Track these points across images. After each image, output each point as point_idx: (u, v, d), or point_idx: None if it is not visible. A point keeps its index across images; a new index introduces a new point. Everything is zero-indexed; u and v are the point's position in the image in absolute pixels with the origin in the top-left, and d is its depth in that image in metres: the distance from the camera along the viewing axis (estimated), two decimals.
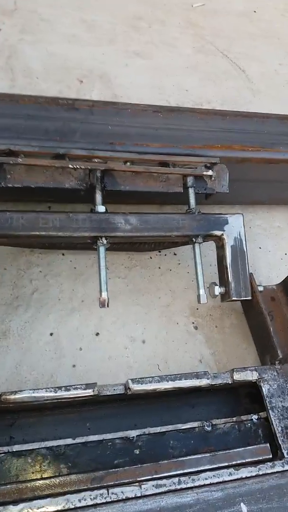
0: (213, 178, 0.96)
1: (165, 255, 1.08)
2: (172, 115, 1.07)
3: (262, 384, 0.81)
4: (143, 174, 0.92)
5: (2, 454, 0.71)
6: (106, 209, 0.87)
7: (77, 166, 0.87)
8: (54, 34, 1.55)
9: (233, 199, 1.19)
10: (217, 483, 0.71)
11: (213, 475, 0.71)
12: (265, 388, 0.81)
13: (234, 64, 1.68)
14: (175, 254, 1.09)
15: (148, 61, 1.57)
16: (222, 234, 0.92)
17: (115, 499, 0.66)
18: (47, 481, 0.67)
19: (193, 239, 0.91)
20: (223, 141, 1.04)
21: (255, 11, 1.88)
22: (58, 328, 0.91)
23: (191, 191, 0.94)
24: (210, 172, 0.95)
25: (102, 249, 0.85)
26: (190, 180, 0.94)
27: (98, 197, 0.88)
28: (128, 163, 0.91)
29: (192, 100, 1.48)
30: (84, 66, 1.49)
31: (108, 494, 0.67)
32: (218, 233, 0.92)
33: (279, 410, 0.79)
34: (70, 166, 0.87)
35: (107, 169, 0.89)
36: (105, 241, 0.85)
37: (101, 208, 0.87)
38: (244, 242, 0.93)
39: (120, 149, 0.96)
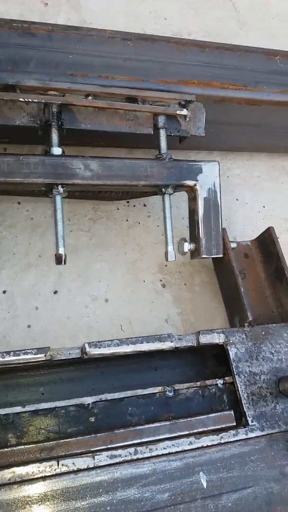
0: (187, 119, 0.85)
1: (134, 206, 0.99)
2: (144, 45, 0.93)
3: (229, 348, 0.76)
4: (107, 111, 0.80)
5: None
6: (63, 152, 0.76)
7: (29, 100, 0.75)
8: None
9: (211, 144, 1.08)
10: (176, 452, 0.67)
11: (172, 444, 0.67)
12: (232, 352, 0.76)
13: None
14: (144, 205, 1.00)
15: None
16: (195, 185, 0.82)
17: (65, 471, 0.62)
18: None
19: (163, 189, 0.82)
20: (201, 77, 0.92)
21: None
22: (12, 285, 0.83)
23: (162, 133, 0.83)
24: (184, 112, 0.83)
25: (58, 198, 0.75)
26: (161, 120, 0.83)
27: (54, 137, 0.76)
28: (90, 97, 0.79)
29: (171, 30, 1.32)
30: None
31: (58, 465, 0.62)
32: (190, 183, 0.82)
33: (246, 375, 0.75)
34: (21, 99, 0.75)
35: (64, 103, 0.76)
36: (61, 189, 0.75)
37: (56, 150, 0.76)
38: (218, 194, 0.84)
39: (81, 81, 0.84)
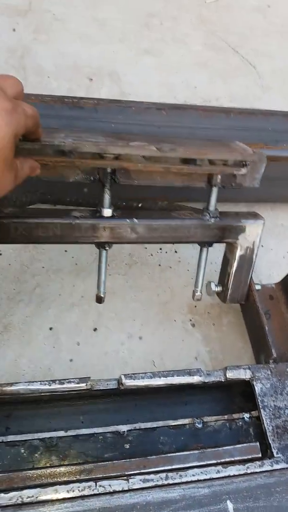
0: (245, 174, 0.84)
1: (166, 252, 1.09)
2: (175, 113, 1.07)
3: (255, 383, 0.82)
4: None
5: None
6: (113, 214, 0.79)
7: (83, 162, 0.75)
8: (66, 33, 1.57)
9: (237, 196, 1.18)
10: (204, 480, 0.72)
11: (201, 472, 0.72)
12: (257, 387, 0.81)
13: (245, 60, 1.67)
14: (175, 251, 1.09)
15: (158, 59, 1.57)
16: (235, 243, 0.87)
17: (102, 492, 0.68)
18: (38, 472, 0.69)
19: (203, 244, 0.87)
20: (225, 139, 1.04)
21: (269, 6, 1.86)
22: (58, 323, 0.93)
23: (214, 190, 0.84)
24: (243, 171, 0.82)
25: (104, 253, 0.81)
26: (216, 179, 0.83)
27: (106, 197, 0.78)
28: (145, 160, 0.76)
29: (201, 97, 1.48)
30: (94, 64, 1.51)
31: (95, 486, 0.68)
32: (231, 241, 0.87)
33: (271, 409, 0.79)
34: (76, 162, 0.74)
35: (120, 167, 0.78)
36: (107, 248, 0.81)
37: (107, 212, 0.78)
38: (255, 252, 0.87)
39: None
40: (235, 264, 0.89)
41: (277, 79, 1.62)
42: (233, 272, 0.89)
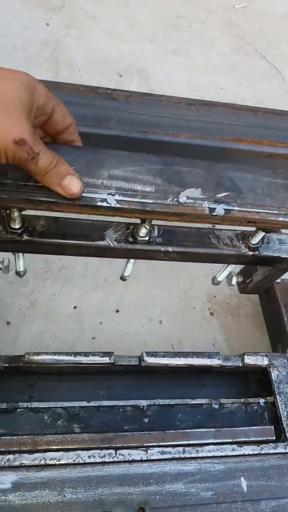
0: None
1: None
2: (205, 109, 1.11)
3: (271, 370, 0.84)
4: None
5: (22, 409, 0.76)
6: (149, 239, 0.76)
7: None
8: (97, 30, 1.61)
9: None
10: (219, 456, 0.74)
11: (217, 449, 0.75)
12: (274, 374, 0.84)
13: (271, 65, 1.70)
14: None
15: (186, 59, 1.62)
16: None
17: (122, 460, 0.71)
18: (61, 437, 0.72)
19: None
20: (253, 136, 1.07)
21: None
22: (82, 303, 0.97)
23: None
24: None
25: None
26: None
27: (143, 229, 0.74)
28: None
29: (227, 98, 1.51)
30: (124, 61, 1.55)
31: (115, 454, 0.71)
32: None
33: (286, 396, 0.82)
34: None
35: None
36: None
37: (142, 239, 0.75)
38: None
39: (153, 137, 1.01)
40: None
41: None
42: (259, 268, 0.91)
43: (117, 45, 1.59)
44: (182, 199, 0.63)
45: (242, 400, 0.84)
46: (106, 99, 1.07)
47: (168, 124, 1.05)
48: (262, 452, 0.76)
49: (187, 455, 0.73)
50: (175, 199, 0.63)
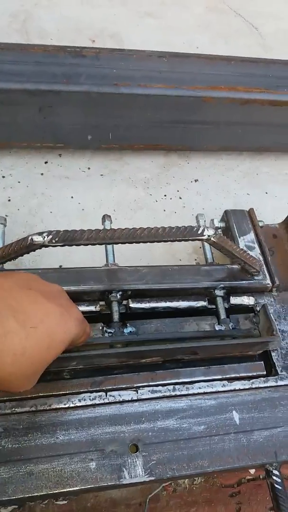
0: None
1: (171, 199, 1.11)
2: (177, 60, 1.09)
3: (258, 309, 0.84)
4: None
5: None
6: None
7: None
8: None
9: (239, 145, 1.20)
10: (210, 392, 0.74)
11: (207, 385, 0.75)
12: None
13: (247, 22, 1.68)
14: (180, 198, 1.12)
15: (159, 21, 1.59)
16: None
17: (112, 401, 0.71)
18: (52, 384, 0.72)
19: None
20: (227, 83, 1.06)
21: None
22: (66, 262, 0.96)
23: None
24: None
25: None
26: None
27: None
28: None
29: None
30: (96, 27, 1.52)
31: (106, 396, 0.71)
32: None
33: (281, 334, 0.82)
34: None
35: None
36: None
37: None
38: None
39: (124, 90, 1.00)
40: None
41: (280, 39, 1.62)
42: None
43: (88, 11, 1.56)
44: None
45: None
46: (75, 57, 1.05)
47: (140, 76, 1.03)
48: (253, 386, 0.76)
49: (177, 393, 0.74)
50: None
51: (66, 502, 0.86)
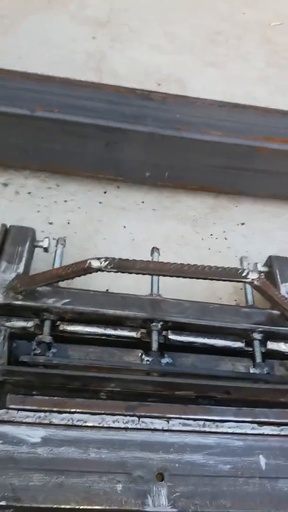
0: None
1: (216, 238, 1.16)
2: (236, 110, 1.16)
3: None
4: None
5: None
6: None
7: None
8: (140, 44, 1.71)
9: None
10: (239, 433, 0.76)
11: (236, 426, 0.76)
12: None
13: None
14: (225, 238, 1.16)
15: (222, 71, 1.68)
16: None
17: (144, 427, 0.74)
18: (89, 401, 0.76)
19: None
20: (282, 136, 1.11)
21: None
22: None
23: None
24: None
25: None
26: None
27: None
28: None
29: None
30: (163, 72, 1.63)
31: (139, 421, 0.74)
32: None
33: None
34: None
35: None
36: None
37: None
38: None
39: (185, 134, 1.06)
40: None
41: None
42: None
43: (157, 57, 1.68)
44: None
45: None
46: (143, 100, 1.14)
47: (200, 122, 1.10)
48: (282, 433, 0.77)
49: (207, 429, 0.76)
50: None
51: None
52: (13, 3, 1.64)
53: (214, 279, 0.79)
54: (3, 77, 1.11)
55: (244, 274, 0.79)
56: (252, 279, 0.79)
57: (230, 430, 0.76)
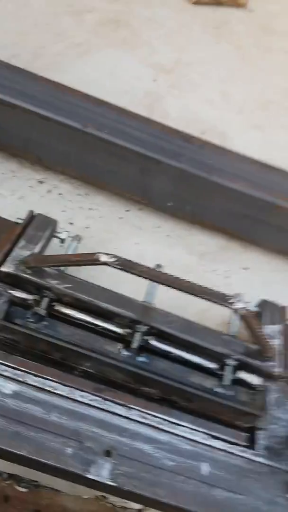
0: None
1: (218, 275, 1.25)
2: (266, 170, 1.28)
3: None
4: None
5: None
6: None
7: None
8: (195, 95, 1.89)
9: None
10: (190, 439, 0.81)
11: (190, 432, 0.82)
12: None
13: None
14: (227, 277, 1.25)
15: (266, 135, 1.82)
16: None
17: (106, 409, 0.81)
18: (64, 374, 0.83)
19: None
20: None
21: None
22: None
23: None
24: None
25: None
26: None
27: None
28: None
29: None
30: (210, 123, 1.79)
31: (103, 403, 0.81)
32: None
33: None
34: None
35: None
36: None
37: None
38: None
39: (213, 178, 1.18)
40: None
41: None
42: None
43: (208, 109, 1.84)
44: None
45: None
46: (184, 141, 1.28)
47: (231, 171, 1.22)
48: (230, 450, 0.82)
49: (162, 427, 0.82)
50: None
51: (26, 490, 0.93)
52: (92, 34, 1.86)
53: (205, 298, 0.87)
54: (66, 93, 1.27)
55: (232, 301, 0.87)
56: (240, 307, 0.87)
57: (183, 434, 0.82)
